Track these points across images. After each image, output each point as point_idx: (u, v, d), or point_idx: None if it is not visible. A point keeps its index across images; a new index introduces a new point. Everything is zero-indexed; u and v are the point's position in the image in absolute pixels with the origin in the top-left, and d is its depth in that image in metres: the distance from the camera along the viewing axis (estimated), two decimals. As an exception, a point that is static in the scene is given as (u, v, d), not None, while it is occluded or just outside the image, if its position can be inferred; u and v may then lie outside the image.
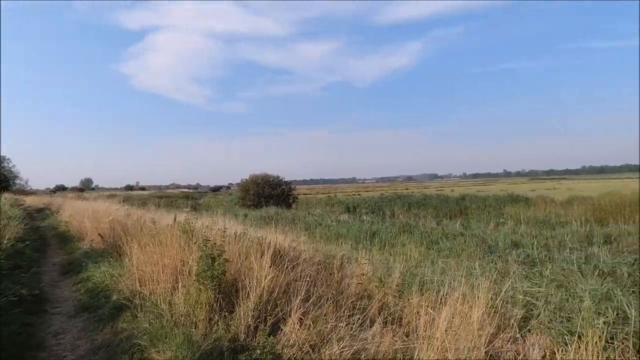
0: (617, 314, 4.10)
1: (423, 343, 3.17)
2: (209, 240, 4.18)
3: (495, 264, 6.67)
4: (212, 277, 3.63)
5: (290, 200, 28.68)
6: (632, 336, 3.74)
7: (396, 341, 3.17)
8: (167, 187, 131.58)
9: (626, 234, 9.25)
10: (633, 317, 3.85)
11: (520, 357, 3.50)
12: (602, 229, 10.37)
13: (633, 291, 4.98)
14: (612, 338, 3.71)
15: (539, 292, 4.58)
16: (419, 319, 3.90)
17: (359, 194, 48.10)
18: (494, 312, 3.79)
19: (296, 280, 3.93)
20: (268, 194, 26.70)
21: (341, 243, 9.51)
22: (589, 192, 29.48)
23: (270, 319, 3.26)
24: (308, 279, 3.97)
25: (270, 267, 3.83)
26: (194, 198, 54.58)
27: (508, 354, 3.58)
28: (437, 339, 3.10)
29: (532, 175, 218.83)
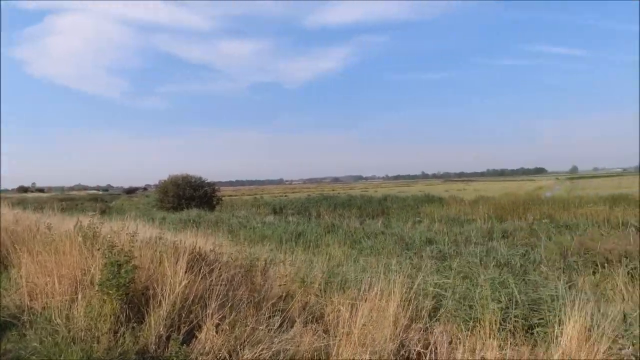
0: (510, 299, 4.67)
1: (342, 339, 3.27)
2: (116, 246, 3.84)
3: (411, 259, 7.16)
4: (118, 286, 3.33)
5: (214, 202, 27.62)
6: (520, 318, 4.29)
7: (316, 339, 3.23)
8: (72, 188, 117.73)
9: (519, 229, 10.65)
10: (520, 301, 4.43)
11: (430, 344, 3.81)
12: (500, 225, 11.78)
13: (523, 278, 5.71)
14: (504, 320, 4.23)
15: (447, 284, 5.02)
16: (340, 316, 4.03)
17: (286, 195, 48.20)
18: (408, 304, 4.07)
19: (215, 285, 3.79)
20: (189, 196, 25.39)
21: (266, 245, 9.44)
22: (492, 193, 33.34)
23: (184, 327, 3.10)
24: (228, 283, 3.86)
25: (186, 272, 3.64)
26: (104, 200, 49.73)
27: (420, 342, 3.87)
28: (355, 335, 3.23)
29: (446, 177, 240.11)
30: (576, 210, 15.50)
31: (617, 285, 5.30)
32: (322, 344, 3.18)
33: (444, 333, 4.08)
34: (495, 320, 4.18)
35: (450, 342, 4.01)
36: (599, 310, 3.62)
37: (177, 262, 3.71)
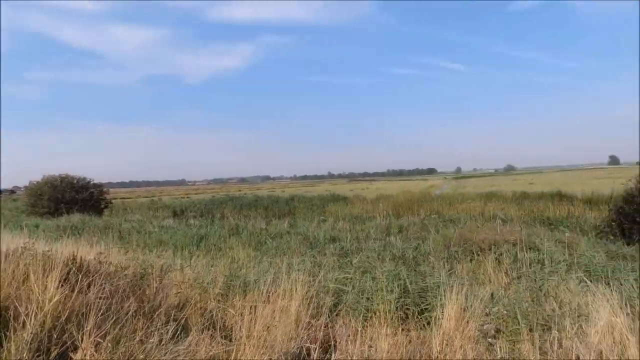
0: (403, 289, 5.13)
1: (242, 343, 3.23)
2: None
3: (315, 257, 7.39)
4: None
5: (102, 206, 24.75)
6: (412, 305, 4.75)
7: (214, 346, 3.12)
8: None
9: (413, 224, 11.79)
10: (411, 290, 4.91)
11: (330, 339, 3.98)
12: (397, 221, 12.87)
13: (415, 269, 6.32)
14: (397, 308, 4.63)
15: (347, 279, 5.31)
16: (242, 320, 3.97)
17: (188, 197, 45.57)
18: (309, 302, 4.19)
19: (97, 299, 3.40)
20: (71, 199, 22.30)
21: (163, 251, 8.81)
22: (392, 191, 36.21)
23: (55, 349, 2.72)
24: (113, 294, 3.50)
25: (59, 287, 3.20)
26: (-50, 207, 40.76)
27: (320, 338, 4.01)
28: (255, 337, 3.21)
29: (351, 177, 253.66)
30: (459, 206, 17.76)
31: (487, 270, 6.18)
32: (221, 350, 3.08)
33: (344, 327, 4.30)
34: (389, 310, 4.55)
35: (349, 336, 4.23)
36: (472, 293, 4.19)
37: (47, 276, 3.24)
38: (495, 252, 7.56)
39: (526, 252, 7.32)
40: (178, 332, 3.13)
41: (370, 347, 3.59)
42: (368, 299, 4.65)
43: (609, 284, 5.19)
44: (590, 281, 5.14)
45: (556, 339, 3.42)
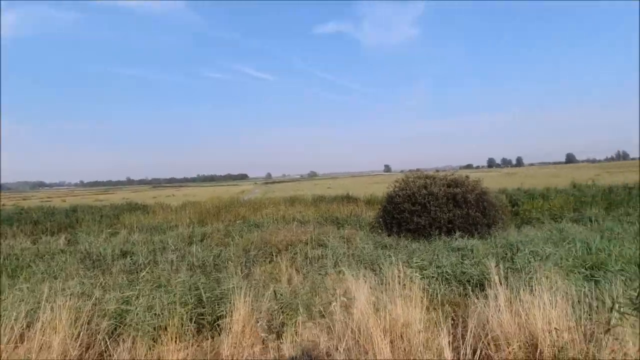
0: (198, 299, 5.07)
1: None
2: None
3: (98, 277, 6.48)
4: None
5: None
6: (207, 314, 4.74)
7: None
8: None
9: (217, 231, 11.77)
10: (207, 299, 4.91)
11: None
12: (202, 229, 12.59)
13: (215, 277, 6.31)
14: (191, 320, 4.55)
15: (133, 297, 4.86)
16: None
17: None
18: (78, 333, 3.64)
19: None
20: None
21: None
22: (201, 198, 35.18)
23: None
24: None
25: None
26: None
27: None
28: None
29: (156, 183, 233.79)
30: (265, 210, 18.77)
31: (282, 269, 6.77)
32: None
33: (126, 351, 3.92)
34: (182, 324, 4.42)
35: (133, 358, 3.90)
36: (262, 293, 4.52)
37: None
38: (291, 252, 8.37)
39: (316, 248, 8.40)
40: None
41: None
42: (157, 315, 4.38)
43: (373, 269, 6.52)
44: (364, 268, 6.33)
45: (332, 321, 4.06)
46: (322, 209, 19.09)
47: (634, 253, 6.50)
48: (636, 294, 3.12)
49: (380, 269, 6.37)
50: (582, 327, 3.29)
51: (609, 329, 2.88)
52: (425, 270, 6.45)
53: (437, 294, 5.49)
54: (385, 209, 11.88)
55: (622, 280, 4.76)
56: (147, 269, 6.59)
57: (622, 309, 2.99)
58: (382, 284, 4.92)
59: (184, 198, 36.51)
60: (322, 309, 4.40)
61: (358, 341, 3.52)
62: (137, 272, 6.91)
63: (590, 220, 11.32)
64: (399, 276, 5.63)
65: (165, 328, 4.28)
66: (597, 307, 3.79)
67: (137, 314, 4.38)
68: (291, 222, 13.13)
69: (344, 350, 3.45)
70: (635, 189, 18.18)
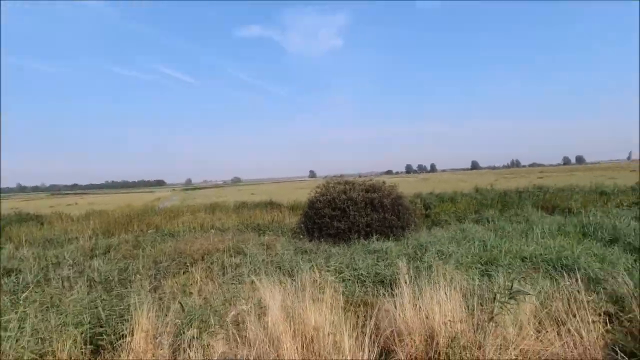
0: (97, 318, 4.64)
1: None
2: None
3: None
4: None
5: None
6: (108, 333, 4.35)
7: None
8: None
9: (125, 242, 10.89)
10: (105, 317, 4.50)
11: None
12: (107, 240, 11.55)
13: (118, 292, 5.82)
14: (86, 342, 4.15)
15: (14, 320, 4.28)
16: None
17: None
18: None
19: None
20: None
21: None
22: (109, 206, 32.25)
23: None
24: None
25: None
26: None
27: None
28: None
29: (53, 189, 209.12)
30: (181, 219, 17.83)
31: (196, 279, 6.48)
32: None
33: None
34: (74, 347, 4.00)
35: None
36: (167, 307, 4.27)
37: None
38: (207, 261, 8.05)
39: (233, 257, 8.19)
40: None
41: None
42: (42, 339, 3.91)
43: (291, 274, 6.54)
44: (283, 274, 6.32)
45: (246, 330, 3.98)
46: (244, 216, 18.71)
47: (519, 249, 7.42)
48: (510, 285, 3.58)
49: (299, 275, 6.44)
50: (475, 318, 3.66)
51: (492, 317, 3.26)
52: (342, 273, 6.66)
53: (353, 296, 5.70)
54: (306, 214, 12.03)
55: (507, 273, 5.39)
56: (35, 287, 5.86)
57: (502, 299, 3.40)
58: (298, 289, 4.96)
59: (88, 207, 33.16)
60: (235, 318, 4.30)
61: (269, 347, 3.51)
62: (22, 292, 6.10)
63: (488, 221, 12.66)
64: (315, 280, 5.73)
65: (53, 353, 3.85)
66: (487, 298, 4.26)
67: (16, 340, 3.87)
68: (209, 230, 12.66)
69: (254, 358, 3.41)
70: (524, 192, 20.79)
